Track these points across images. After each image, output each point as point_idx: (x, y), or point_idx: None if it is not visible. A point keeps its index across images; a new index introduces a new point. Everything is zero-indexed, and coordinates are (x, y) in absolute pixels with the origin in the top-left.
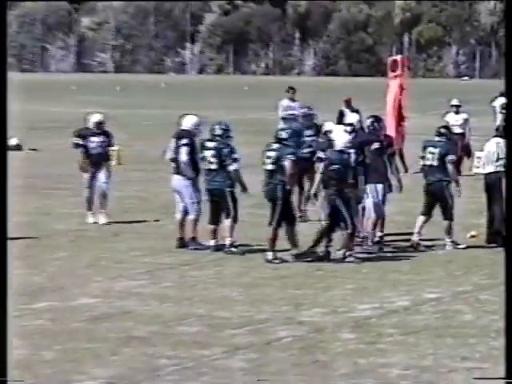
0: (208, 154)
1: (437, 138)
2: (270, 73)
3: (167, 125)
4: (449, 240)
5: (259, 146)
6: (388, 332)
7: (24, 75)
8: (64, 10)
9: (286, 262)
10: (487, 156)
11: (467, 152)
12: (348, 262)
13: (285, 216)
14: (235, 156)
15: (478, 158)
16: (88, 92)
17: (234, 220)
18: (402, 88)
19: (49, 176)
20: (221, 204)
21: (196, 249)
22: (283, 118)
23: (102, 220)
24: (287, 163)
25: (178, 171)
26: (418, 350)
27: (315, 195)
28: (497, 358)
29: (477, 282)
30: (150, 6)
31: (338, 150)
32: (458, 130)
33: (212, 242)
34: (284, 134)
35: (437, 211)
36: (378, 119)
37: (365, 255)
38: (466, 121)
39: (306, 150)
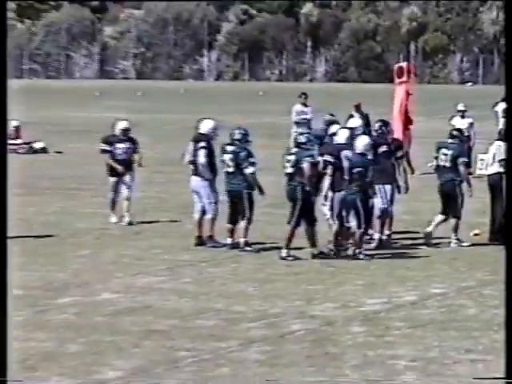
0: (227, 157)
1: (450, 140)
2: (284, 79)
3: (186, 129)
4: (454, 238)
5: (273, 149)
6: (396, 325)
7: (49, 82)
8: (88, 19)
9: (298, 259)
10: (490, 158)
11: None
12: (358, 259)
13: (304, 216)
14: (252, 160)
15: (481, 160)
16: (111, 98)
17: (249, 221)
18: (408, 93)
19: (73, 177)
20: (238, 205)
21: (213, 247)
22: (296, 123)
23: (125, 220)
24: (305, 166)
25: (196, 173)
26: (425, 343)
27: (325, 197)
28: (499, 350)
29: (480, 277)
30: (170, 15)
31: (359, 153)
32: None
33: (229, 240)
34: (302, 139)
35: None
36: (385, 123)
37: (373, 252)
38: (471, 125)
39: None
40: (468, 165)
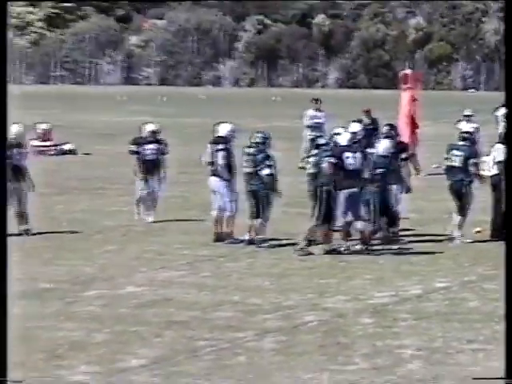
0: (246, 159)
1: (461, 142)
2: (297, 85)
3: (206, 132)
4: (458, 234)
5: (288, 152)
6: (402, 317)
7: (77, 87)
8: (113, 29)
9: (311, 254)
10: (491, 160)
11: None
12: (367, 254)
13: (324, 213)
14: (268, 162)
15: (484, 162)
16: (135, 103)
17: (265, 219)
18: (413, 99)
19: (100, 178)
20: (257, 203)
21: (231, 243)
22: (309, 126)
23: (150, 218)
24: (325, 165)
25: (215, 173)
26: (429, 333)
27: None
28: (499, 340)
29: (482, 272)
30: (191, 25)
31: (381, 155)
32: None
33: (246, 237)
34: (322, 140)
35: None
36: (393, 127)
37: (380, 248)
38: (476, 129)
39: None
40: (477, 166)
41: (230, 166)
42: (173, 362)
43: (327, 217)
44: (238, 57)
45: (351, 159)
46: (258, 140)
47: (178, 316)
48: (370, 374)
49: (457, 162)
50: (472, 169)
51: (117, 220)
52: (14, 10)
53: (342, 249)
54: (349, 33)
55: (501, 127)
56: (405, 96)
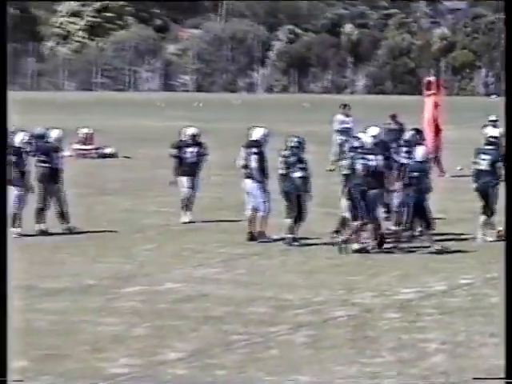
0: (281, 161)
1: (488, 147)
2: (327, 92)
3: (240, 136)
4: (481, 233)
5: (318, 155)
6: (427, 312)
7: (117, 94)
8: (152, 38)
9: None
10: None
11: None
12: (394, 252)
13: (362, 213)
14: (300, 165)
15: None
16: (173, 108)
17: (298, 219)
18: (436, 104)
19: (139, 179)
20: (289, 205)
21: (264, 241)
22: (338, 131)
23: (188, 218)
24: (359, 167)
25: (248, 176)
26: (453, 328)
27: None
28: None
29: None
30: (226, 35)
31: (418, 161)
32: None
33: (279, 236)
34: (357, 143)
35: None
36: (418, 131)
37: (405, 246)
38: (501, 134)
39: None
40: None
41: (262, 169)
42: (209, 355)
43: (363, 216)
44: (270, 64)
45: (373, 161)
46: (292, 144)
47: (214, 311)
48: (396, 366)
49: (484, 165)
50: (498, 172)
51: (156, 219)
52: (57, 20)
53: (370, 247)
54: (376, 41)
55: None
56: (428, 102)
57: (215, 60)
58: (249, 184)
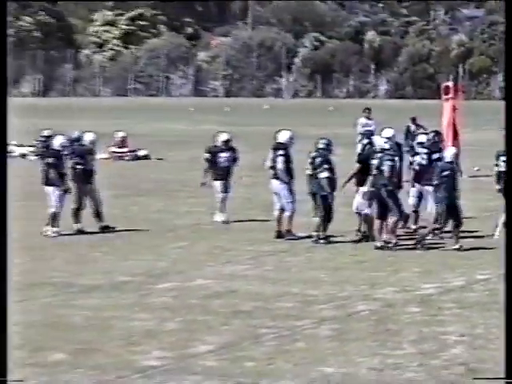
0: (309, 162)
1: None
2: (350, 96)
3: (268, 139)
4: (498, 231)
5: (341, 156)
6: (447, 306)
7: (151, 99)
8: (184, 46)
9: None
10: None
11: None
12: (417, 249)
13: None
14: (326, 166)
15: None
16: (203, 113)
17: (324, 218)
18: (454, 108)
19: (172, 181)
20: (316, 204)
21: (291, 239)
22: (361, 134)
23: (221, 218)
24: (386, 168)
25: (275, 176)
26: (471, 321)
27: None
28: None
29: None
30: (254, 42)
31: (447, 162)
32: None
33: (311, 233)
34: (387, 145)
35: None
36: (438, 133)
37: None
38: None
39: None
40: None
41: (288, 170)
42: (238, 348)
43: (395, 215)
44: (296, 71)
45: (398, 162)
46: (320, 146)
47: (243, 306)
48: (416, 358)
49: (505, 167)
50: None
51: (187, 219)
52: (92, 28)
53: (391, 244)
54: (397, 48)
55: None
56: (446, 106)
57: (244, 66)
58: (276, 185)
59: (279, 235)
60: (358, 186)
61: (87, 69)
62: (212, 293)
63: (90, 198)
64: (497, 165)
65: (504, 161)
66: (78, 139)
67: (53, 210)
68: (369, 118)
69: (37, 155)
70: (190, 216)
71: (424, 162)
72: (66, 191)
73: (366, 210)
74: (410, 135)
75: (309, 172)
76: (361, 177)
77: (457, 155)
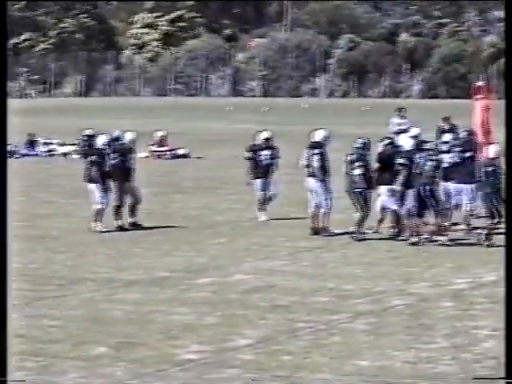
0: (346, 160)
1: None
2: (384, 96)
3: (304, 138)
4: None
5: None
6: (479, 301)
7: (190, 99)
8: (222, 47)
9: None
10: None
11: None
12: (449, 246)
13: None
14: (358, 163)
15: None
16: (241, 112)
17: (361, 215)
18: (487, 107)
19: (211, 178)
20: (353, 201)
21: (327, 235)
22: (394, 133)
23: (263, 217)
24: (427, 168)
25: (311, 175)
26: (503, 315)
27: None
28: None
29: None
30: (290, 44)
31: (491, 157)
32: None
33: (351, 229)
34: (429, 145)
35: None
36: (471, 132)
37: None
38: None
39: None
40: None
41: (324, 168)
42: (276, 342)
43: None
44: (331, 71)
45: (435, 162)
46: (357, 145)
47: (280, 301)
48: (450, 351)
49: None
50: None
51: (227, 215)
52: (132, 30)
53: (424, 240)
54: (429, 49)
55: None
56: (478, 105)
57: (280, 67)
58: (311, 182)
59: (315, 232)
60: (379, 184)
61: (128, 69)
62: (250, 288)
63: (130, 195)
64: None
65: None
66: (118, 138)
67: (98, 206)
68: (402, 118)
69: (79, 154)
70: (229, 213)
71: (458, 160)
72: (107, 189)
73: (394, 207)
74: (442, 134)
75: (347, 170)
76: (382, 175)
77: (499, 152)
